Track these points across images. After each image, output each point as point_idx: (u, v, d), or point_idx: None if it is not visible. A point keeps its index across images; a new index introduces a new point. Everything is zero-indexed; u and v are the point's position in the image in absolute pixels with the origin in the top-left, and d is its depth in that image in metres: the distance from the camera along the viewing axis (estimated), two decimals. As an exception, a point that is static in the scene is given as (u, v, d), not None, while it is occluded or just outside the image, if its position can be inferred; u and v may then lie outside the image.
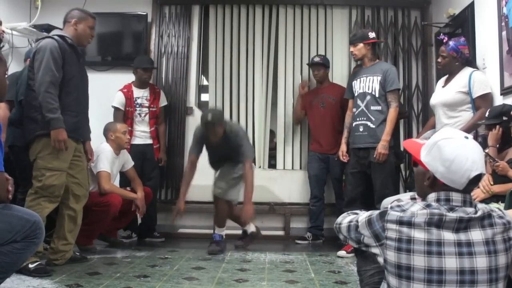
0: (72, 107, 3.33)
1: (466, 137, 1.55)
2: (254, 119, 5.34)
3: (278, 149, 5.39)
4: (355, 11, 5.34)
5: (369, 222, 1.57)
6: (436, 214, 1.45)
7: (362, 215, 1.66)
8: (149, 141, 4.78)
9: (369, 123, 4.06)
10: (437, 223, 1.44)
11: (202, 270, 3.38)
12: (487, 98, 3.49)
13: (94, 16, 3.49)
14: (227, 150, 4.16)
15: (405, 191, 4.81)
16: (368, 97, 4.08)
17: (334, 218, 4.65)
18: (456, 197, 1.50)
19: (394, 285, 1.48)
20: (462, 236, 1.43)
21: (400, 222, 1.47)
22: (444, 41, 3.84)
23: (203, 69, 5.72)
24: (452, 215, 1.44)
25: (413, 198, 2.95)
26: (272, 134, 5.70)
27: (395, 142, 4.28)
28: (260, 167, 5.26)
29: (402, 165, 4.80)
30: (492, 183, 2.82)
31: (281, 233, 5.11)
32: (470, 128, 3.41)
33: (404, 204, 1.53)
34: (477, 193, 2.78)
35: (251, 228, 4.36)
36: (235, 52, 5.40)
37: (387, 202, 3.10)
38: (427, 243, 1.43)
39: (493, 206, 2.64)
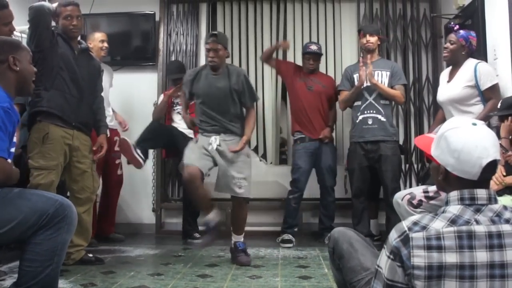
0: (63, 86, 3.30)
1: (474, 124, 1.43)
2: (264, 116, 5.33)
3: (288, 145, 5.39)
4: (363, 4, 5.30)
5: (394, 255, 1.37)
6: (464, 232, 1.32)
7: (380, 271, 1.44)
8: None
9: (379, 116, 4.07)
10: (469, 243, 1.31)
11: (216, 267, 3.39)
12: (495, 88, 3.45)
13: (68, 4, 3.38)
14: (226, 94, 3.64)
15: (417, 185, 4.78)
16: (378, 91, 4.08)
17: (346, 211, 4.73)
18: (481, 194, 1.40)
19: None
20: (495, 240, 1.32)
21: (429, 247, 1.31)
22: (455, 28, 3.79)
23: (212, 66, 5.70)
24: (481, 228, 1.32)
25: (425, 191, 2.97)
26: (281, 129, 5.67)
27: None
28: (271, 163, 5.27)
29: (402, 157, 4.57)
30: (504, 174, 2.80)
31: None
32: (482, 120, 3.37)
33: (420, 219, 1.38)
34: (490, 185, 2.75)
35: (211, 217, 3.50)
36: (244, 49, 5.39)
37: (400, 195, 3.13)
38: (459, 267, 1.30)
39: (506, 198, 2.64)
